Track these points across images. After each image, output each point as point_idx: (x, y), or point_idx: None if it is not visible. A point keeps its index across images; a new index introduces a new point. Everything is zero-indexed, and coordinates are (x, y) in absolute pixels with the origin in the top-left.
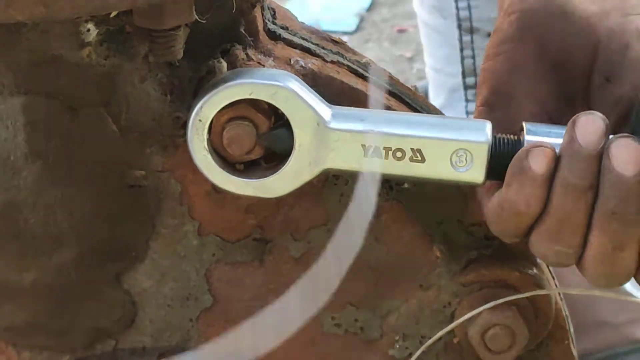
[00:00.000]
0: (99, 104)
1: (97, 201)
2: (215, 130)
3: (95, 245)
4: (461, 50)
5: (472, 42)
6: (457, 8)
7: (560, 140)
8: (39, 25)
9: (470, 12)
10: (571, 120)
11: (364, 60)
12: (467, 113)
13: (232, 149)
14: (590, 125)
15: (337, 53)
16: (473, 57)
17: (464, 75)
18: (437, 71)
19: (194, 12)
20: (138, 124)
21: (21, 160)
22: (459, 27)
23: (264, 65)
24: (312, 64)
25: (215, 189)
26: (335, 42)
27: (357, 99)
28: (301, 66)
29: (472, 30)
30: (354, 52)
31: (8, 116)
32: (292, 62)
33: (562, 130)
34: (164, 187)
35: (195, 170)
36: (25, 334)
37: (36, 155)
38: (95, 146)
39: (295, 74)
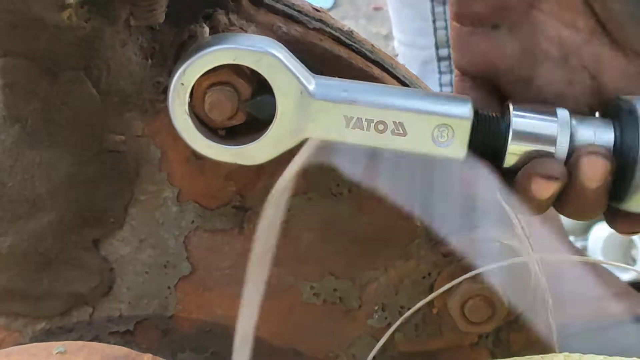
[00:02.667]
0: (78, 67)
1: (76, 166)
2: (196, 96)
3: (73, 210)
4: (434, 22)
5: (444, 13)
6: None
7: (543, 127)
8: None
9: None
10: None
11: (346, 29)
12: (441, 85)
13: (213, 114)
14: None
15: (320, 21)
16: (446, 28)
17: (437, 47)
18: (408, 45)
19: None
20: (118, 88)
21: None
22: None
23: (246, 31)
24: (295, 30)
25: (195, 155)
26: (317, 10)
27: (340, 67)
28: (284, 32)
29: (444, 1)
30: (336, 21)
31: None
32: (274, 28)
33: (546, 116)
34: (143, 152)
35: (175, 136)
36: (1, 300)
37: (14, 118)
38: (74, 110)
39: (278, 40)
